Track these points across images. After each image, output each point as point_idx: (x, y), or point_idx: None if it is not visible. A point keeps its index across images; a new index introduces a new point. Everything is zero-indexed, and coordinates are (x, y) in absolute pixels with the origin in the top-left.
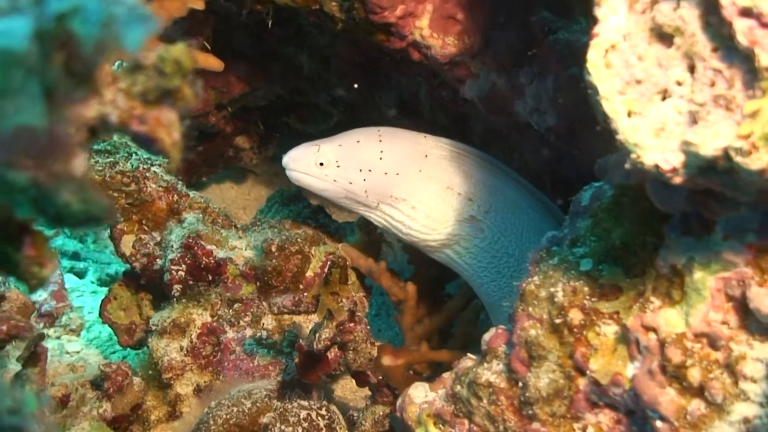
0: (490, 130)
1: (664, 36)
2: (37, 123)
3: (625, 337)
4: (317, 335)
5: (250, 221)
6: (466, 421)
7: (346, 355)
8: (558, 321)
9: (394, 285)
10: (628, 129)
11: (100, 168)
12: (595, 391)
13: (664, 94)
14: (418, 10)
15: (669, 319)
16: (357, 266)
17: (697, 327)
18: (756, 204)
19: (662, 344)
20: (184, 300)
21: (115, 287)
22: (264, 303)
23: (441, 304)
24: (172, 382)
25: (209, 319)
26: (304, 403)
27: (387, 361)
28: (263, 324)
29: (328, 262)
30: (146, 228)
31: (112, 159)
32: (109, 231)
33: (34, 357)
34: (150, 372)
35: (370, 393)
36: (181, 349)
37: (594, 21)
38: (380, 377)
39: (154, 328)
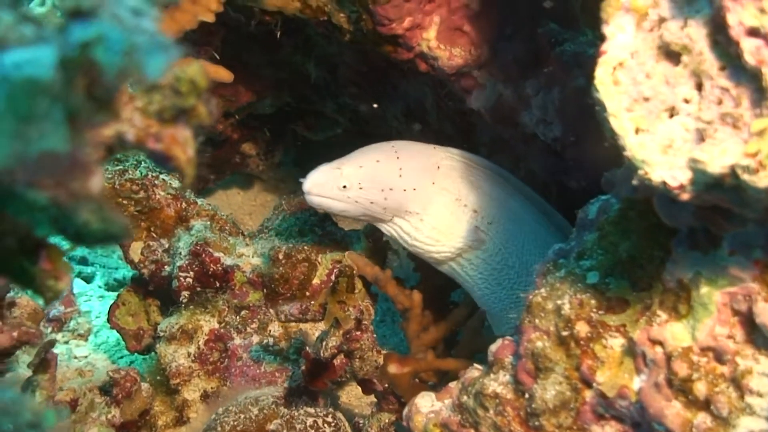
0: (496, 139)
1: (671, 54)
2: (60, 148)
3: (631, 350)
4: (324, 343)
5: (257, 228)
6: (472, 431)
7: (353, 362)
8: (565, 333)
9: (400, 293)
10: (635, 146)
11: (110, 176)
12: (601, 403)
13: (672, 112)
14: (425, 21)
15: (675, 332)
16: (363, 274)
17: (704, 341)
18: (763, 220)
19: (669, 358)
20: (191, 306)
21: (124, 293)
22: (271, 310)
23: (447, 312)
24: (180, 387)
25: (216, 326)
26: (311, 410)
27: (393, 369)
28: (270, 331)
29: (335, 271)
30: (155, 235)
31: (121, 167)
32: None
33: (44, 363)
34: (158, 377)
35: (375, 400)
36: (189, 355)
37: (602, 38)
38: (386, 385)
39: (162, 334)
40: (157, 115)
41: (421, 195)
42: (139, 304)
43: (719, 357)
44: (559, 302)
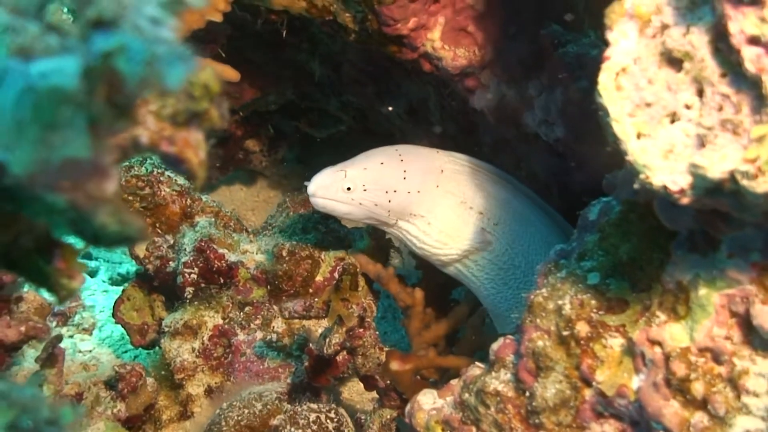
0: (499, 140)
1: (673, 60)
2: (82, 154)
3: (630, 350)
4: (327, 340)
5: (261, 225)
6: (473, 429)
7: (355, 359)
8: (565, 333)
9: (401, 291)
10: (637, 150)
11: None
12: (600, 402)
13: (673, 117)
14: (430, 22)
15: (674, 333)
16: (366, 271)
17: (702, 342)
18: (761, 224)
19: (667, 358)
20: (196, 302)
21: (129, 288)
22: (274, 306)
23: (448, 310)
24: (184, 382)
25: (221, 322)
26: (314, 405)
27: (395, 366)
28: (273, 327)
29: (339, 268)
30: (160, 231)
31: (127, 163)
32: None
33: (51, 358)
34: (162, 372)
35: (377, 396)
36: (193, 350)
37: (605, 44)
38: (388, 381)
39: (166, 329)
40: (171, 118)
41: (426, 198)
42: (144, 300)
43: (717, 357)
44: (560, 302)
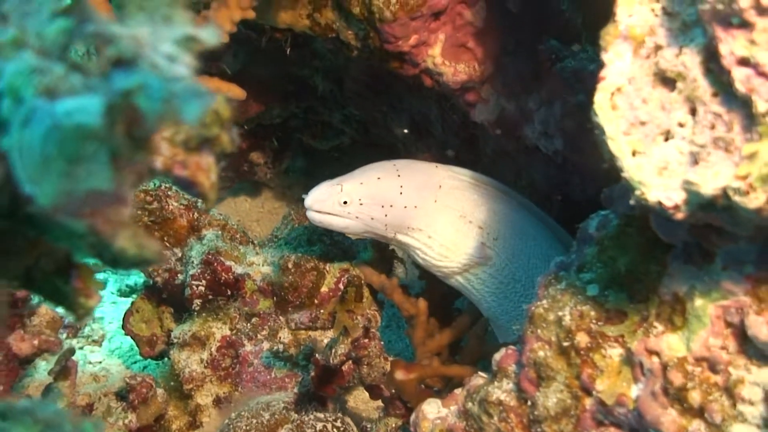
0: (499, 151)
1: (667, 80)
2: (105, 186)
3: (629, 360)
4: (333, 350)
5: (266, 237)
6: None
7: (361, 369)
8: (566, 343)
9: (405, 301)
10: (632, 168)
11: None
12: (600, 410)
13: (667, 135)
14: (431, 39)
15: (671, 343)
16: (370, 282)
17: (698, 351)
18: (754, 238)
19: (665, 367)
20: (204, 314)
21: (137, 300)
22: (281, 317)
23: (451, 319)
24: (193, 392)
25: (228, 333)
26: (320, 415)
27: (400, 375)
28: (280, 338)
29: (344, 280)
30: (168, 244)
31: None
32: None
33: (64, 371)
34: (171, 383)
35: (382, 405)
36: (202, 361)
37: (601, 65)
38: (393, 390)
39: (175, 340)
40: (183, 144)
41: (423, 212)
42: (153, 311)
43: (713, 367)
44: (560, 313)
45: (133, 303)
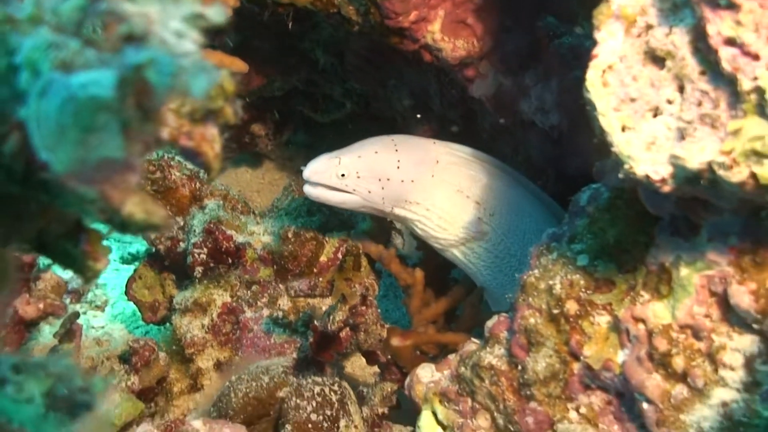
0: (497, 126)
1: (656, 59)
2: (116, 155)
3: (616, 327)
4: (331, 317)
5: (267, 208)
6: (469, 400)
7: (358, 335)
8: (555, 311)
9: (402, 270)
10: (622, 143)
11: None
12: (588, 375)
13: (656, 112)
14: (430, 15)
15: (657, 311)
16: (368, 252)
17: (682, 319)
18: (738, 211)
19: (650, 334)
20: (205, 281)
21: (140, 267)
22: (280, 285)
23: (447, 289)
24: (194, 357)
25: (229, 300)
26: (318, 379)
27: (396, 341)
28: (279, 305)
29: (342, 249)
30: (170, 213)
31: None
32: None
33: (69, 334)
34: (173, 347)
35: (379, 371)
36: (203, 326)
37: (594, 43)
38: (389, 356)
39: (177, 306)
40: (189, 115)
41: (420, 187)
42: (155, 278)
43: (696, 334)
44: (551, 282)
45: (136, 270)
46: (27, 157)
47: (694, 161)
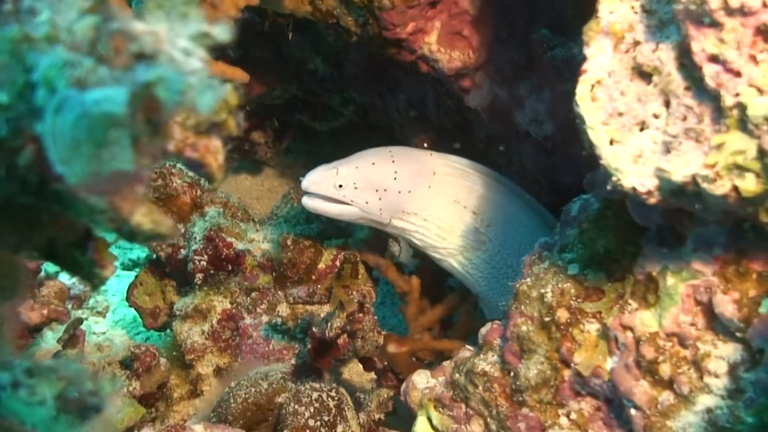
0: (492, 136)
1: (644, 74)
2: (127, 168)
3: (605, 335)
4: (329, 324)
5: (266, 215)
6: (463, 405)
7: (355, 342)
8: (547, 319)
9: (399, 278)
10: (610, 155)
11: None
12: (578, 381)
13: (642, 126)
14: (427, 26)
15: (644, 319)
16: (366, 260)
17: (669, 327)
18: (722, 222)
19: (638, 342)
20: (205, 288)
21: (141, 274)
22: (279, 292)
23: (443, 296)
24: (194, 362)
25: (229, 306)
26: (316, 385)
27: (392, 348)
28: (278, 311)
29: (340, 257)
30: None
31: None
32: None
33: (73, 339)
34: (173, 353)
35: (375, 377)
36: (203, 332)
37: (583, 59)
38: (385, 363)
39: (178, 313)
40: (194, 128)
41: (418, 197)
42: (156, 285)
43: (682, 342)
44: (542, 290)
45: (137, 276)
46: (41, 168)
47: (679, 174)
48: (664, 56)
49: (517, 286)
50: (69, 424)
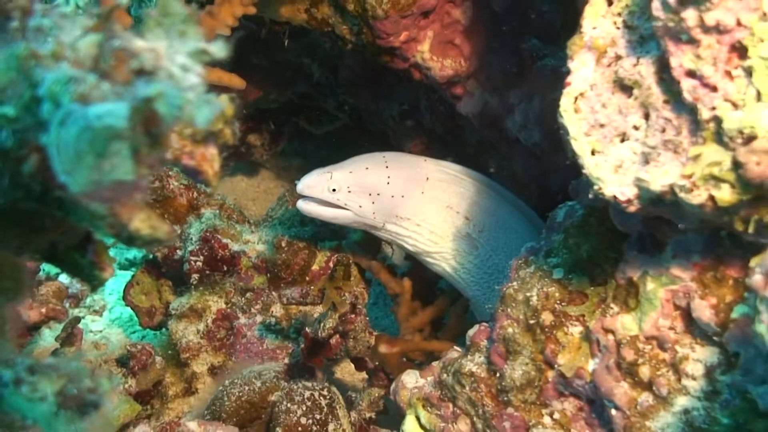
0: (483, 141)
1: (625, 87)
2: (128, 178)
3: (588, 337)
4: (322, 324)
5: (261, 217)
6: (450, 405)
7: (347, 342)
8: (532, 321)
9: (391, 280)
10: (591, 165)
11: None
12: (561, 382)
13: (623, 137)
14: (420, 35)
15: (625, 323)
16: (358, 262)
17: (649, 331)
18: (700, 230)
19: (618, 344)
20: (201, 288)
21: (138, 274)
22: (274, 293)
23: (434, 298)
24: (189, 361)
25: (224, 306)
26: (308, 384)
27: (383, 348)
28: (272, 312)
29: (333, 259)
30: (168, 222)
31: None
32: None
33: (70, 338)
34: (169, 352)
35: (367, 376)
36: (198, 332)
37: (567, 72)
38: (377, 363)
39: (173, 312)
40: (191, 137)
41: (410, 202)
42: (153, 284)
43: (661, 345)
44: (528, 294)
45: (133, 276)
46: (44, 176)
47: (657, 184)
48: (645, 70)
49: (504, 289)
50: (68, 420)
